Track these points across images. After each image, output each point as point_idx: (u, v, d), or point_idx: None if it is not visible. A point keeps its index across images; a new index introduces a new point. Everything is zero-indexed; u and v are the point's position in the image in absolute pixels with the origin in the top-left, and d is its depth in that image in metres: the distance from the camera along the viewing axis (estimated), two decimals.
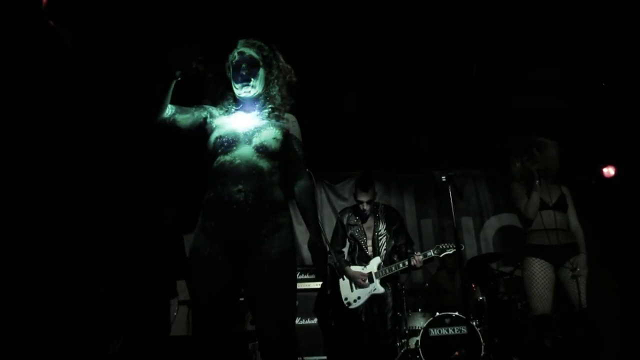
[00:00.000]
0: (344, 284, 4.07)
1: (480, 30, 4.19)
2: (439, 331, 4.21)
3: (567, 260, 3.24)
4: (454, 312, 4.32)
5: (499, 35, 4.26)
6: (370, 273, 4.00)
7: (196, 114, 1.99)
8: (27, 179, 3.40)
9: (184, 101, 2.00)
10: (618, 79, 4.93)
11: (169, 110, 1.91)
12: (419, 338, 4.19)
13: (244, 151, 1.91)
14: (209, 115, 2.02)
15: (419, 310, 4.65)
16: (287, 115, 2.09)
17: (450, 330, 4.20)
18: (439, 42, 4.37)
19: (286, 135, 2.03)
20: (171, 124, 1.92)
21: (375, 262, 4.03)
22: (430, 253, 4.09)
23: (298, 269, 4.55)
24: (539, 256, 3.26)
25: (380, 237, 4.12)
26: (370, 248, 4.10)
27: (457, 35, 4.29)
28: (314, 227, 2.01)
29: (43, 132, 3.58)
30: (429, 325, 4.22)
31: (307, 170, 2.13)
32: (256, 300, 1.82)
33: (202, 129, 2.00)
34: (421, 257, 3.98)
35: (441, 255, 4.12)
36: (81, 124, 3.91)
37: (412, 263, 3.94)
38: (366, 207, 4.11)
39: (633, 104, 5.19)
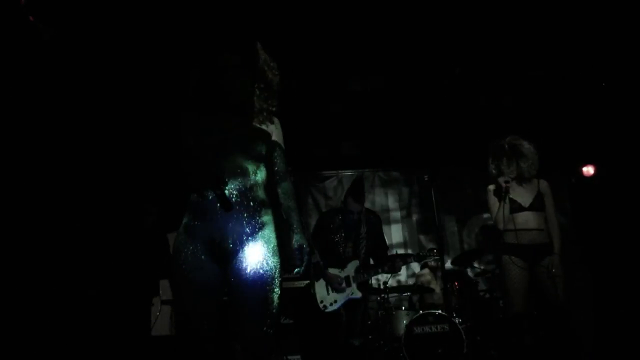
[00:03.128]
0: (320, 286, 4.03)
1: (465, 28, 4.22)
2: (422, 329, 4.23)
3: (542, 260, 3.29)
4: (437, 310, 4.36)
5: (482, 35, 4.30)
6: (347, 276, 3.98)
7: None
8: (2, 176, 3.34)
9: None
10: (600, 79, 5.02)
11: None
12: (402, 336, 4.21)
13: (229, 153, 1.91)
14: (194, 119, 2.01)
15: (403, 308, 4.68)
16: (272, 118, 2.09)
17: (434, 328, 4.22)
18: (422, 42, 4.40)
19: (269, 138, 2.05)
20: None
21: (353, 265, 4.01)
22: (411, 260, 4.15)
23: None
24: (515, 254, 3.31)
25: (361, 240, 4.11)
26: (350, 250, 4.09)
27: (441, 35, 4.32)
28: (298, 228, 2.03)
29: (20, 128, 3.52)
30: (413, 324, 4.25)
31: (289, 168, 2.15)
32: (238, 300, 1.82)
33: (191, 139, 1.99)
34: (401, 264, 4.03)
35: (421, 263, 4.15)
36: (60, 121, 3.85)
37: (393, 269, 4.03)
38: (356, 216, 4.11)
39: (614, 104, 5.29)
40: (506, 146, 3.43)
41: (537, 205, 3.38)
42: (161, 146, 1.88)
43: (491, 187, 3.49)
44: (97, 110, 4.01)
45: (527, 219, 3.35)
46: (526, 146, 3.41)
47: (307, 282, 4.27)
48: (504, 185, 3.30)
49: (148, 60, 3.95)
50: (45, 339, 3.29)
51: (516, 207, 3.37)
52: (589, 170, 6.06)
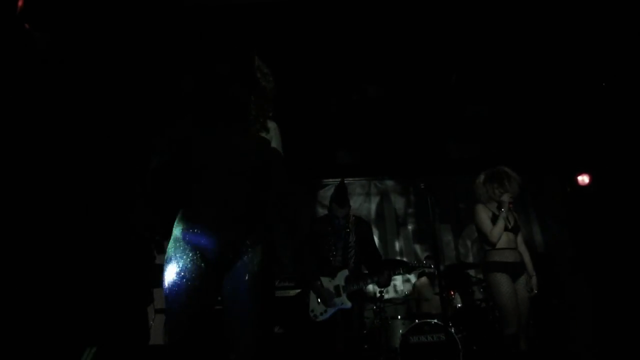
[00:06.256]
0: (312, 296, 3.98)
1: (460, 38, 4.24)
2: (418, 338, 4.22)
3: (520, 277, 3.54)
4: (433, 319, 4.34)
5: (478, 43, 4.32)
6: (337, 286, 3.97)
7: (173, 149, 1.96)
8: None
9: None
10: (593, 87, 5.05)
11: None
12: (398, 345, 4.19)
13: (227, 164, 1.90)
14: (187, 133, 1.98)
15: (399, 317, 4.66)
16: (269, 124, 2.06)
17: (430, 338, 4.21)
18: (419, 50, 4.42)
19: (268, 146, 2.02)
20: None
21: (343, 274, 3.98)
22: (400, 271, 4.15)
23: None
24: (505, 272, 3.49)
25: (350, 249, 4.10)
26: (339, 259, 4.07)
27: (437, 44, 4.34)
28: (298, 238, 2.02)
29: (13, 135, 3.51)
30: (409, 333, 4.23)
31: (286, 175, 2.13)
32: (235, 310, 1.81)
33: (184, 150, 1.96)
34: (386, 276, 4.04)
35: (410, 274, 4.14)
36: (54, 128, 3.84)
37: (382, 284, 4.04)
38: (342, 221, 4.10)
39: (609, 113, 5.32)
40: (498, 170, 3.71)
41: (516, 228, 3.67)
42: (151, 153, 1.87)
43: (480, 201, 3.73)
44: (91, 116, 4.00)
45: (510, 239, 3.59)
46: (512, 172, 3.71)
47: (298, 290, 4.24)
48: (507, 200, 3.58)
49: (142, 67, 3.94)
50: (39, 347, 3.25)
51: (506, 227, 3.60)
52: (584, 179, 6.10)
